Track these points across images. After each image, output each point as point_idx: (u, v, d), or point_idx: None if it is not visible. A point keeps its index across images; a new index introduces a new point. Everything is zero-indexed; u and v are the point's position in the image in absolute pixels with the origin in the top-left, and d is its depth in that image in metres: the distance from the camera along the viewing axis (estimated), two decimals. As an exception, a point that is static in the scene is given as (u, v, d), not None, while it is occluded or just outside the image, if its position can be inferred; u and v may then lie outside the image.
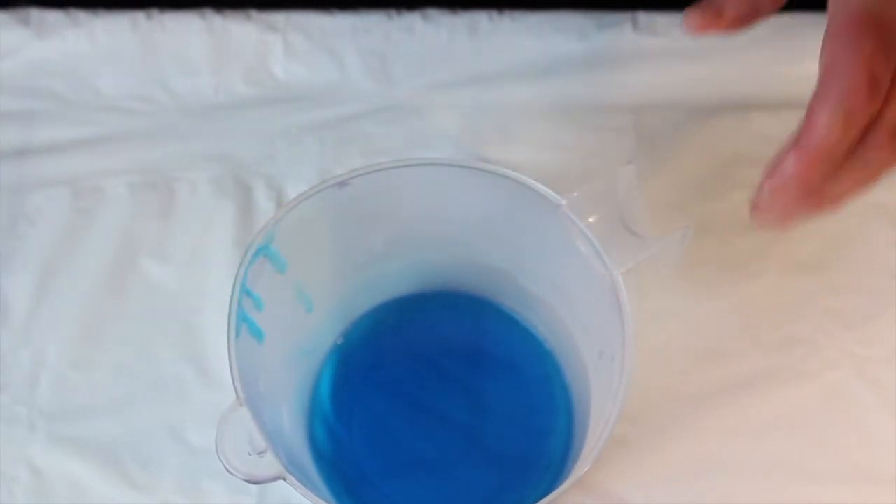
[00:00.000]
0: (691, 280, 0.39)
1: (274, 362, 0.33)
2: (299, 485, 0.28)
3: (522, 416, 0.37)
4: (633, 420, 0.36)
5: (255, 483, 0.28)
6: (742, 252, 0.40)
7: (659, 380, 0.37)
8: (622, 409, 0.28)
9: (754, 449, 0.36)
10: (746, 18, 0.32)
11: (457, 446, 0.36)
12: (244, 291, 0.30)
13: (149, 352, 0.38)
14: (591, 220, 0.30)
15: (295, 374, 0.36)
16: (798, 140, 0.28)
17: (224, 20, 0.45)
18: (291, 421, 0.35)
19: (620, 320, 0.30)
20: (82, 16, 0.44)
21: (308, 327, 0.36)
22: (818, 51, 0.28)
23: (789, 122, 0.29)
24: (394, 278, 0.38)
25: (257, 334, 0.31)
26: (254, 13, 0.45)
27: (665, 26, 0.44)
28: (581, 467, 0.29)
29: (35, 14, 0.44)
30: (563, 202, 0.31)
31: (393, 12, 0.45)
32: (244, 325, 0.30)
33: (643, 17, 0.44)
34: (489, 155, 0.42)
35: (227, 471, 0.28)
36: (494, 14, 0.44)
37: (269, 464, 0.28)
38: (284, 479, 0.28)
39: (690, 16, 0.32)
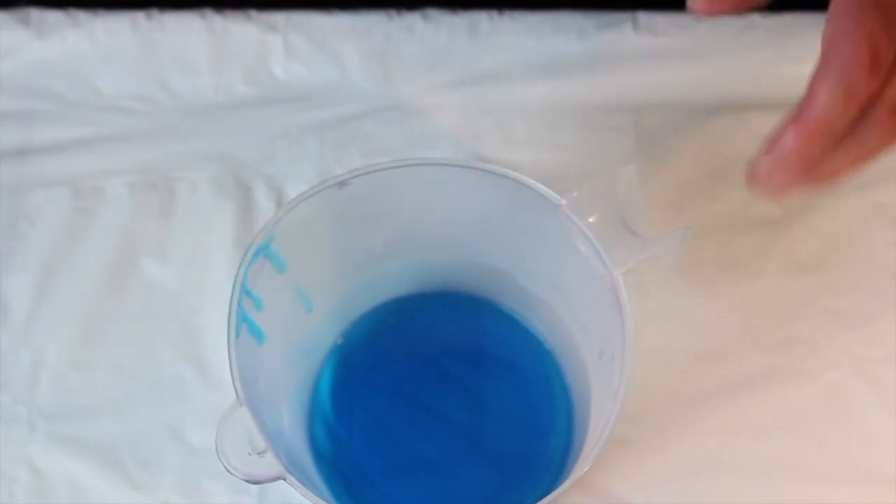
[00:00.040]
0: (691, 280, 0.39)
1: (274, 362, 0.33)
2: (299, 485, 0.28)
3: (522, 416, 0.37)
4: (633, 420, 0.36)
5: (255, 483, 0.28)
6: (742, 252, 0.40)
7: (659, 380, 0.37)
8: (622, 409, 0.28)
9: (754, 449, 0.36)
10: None
11: (457, 446, 0.36)
12: (244, 291, 0.30)
13: (149, 352, 0.38)
14: (591, 220, 0.30)
15: (295, 374, 0.36)
16: (798, 114, 0.28)
17: (224, 20, 0.45)
18: (291, 421, 0.35)
19: (620, 320, 0.30)
20: (82, 16, 0.44)
21: (308, 327, 0.36)
22: (818, 51, 0.28)
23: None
24: (394, 278, 0.38)
25: (257, 334, 0.31)
26: (254, 13, 0.45)
27: (665, 26, 0.44)
28: (581, 467, 0.29)
29: (35, 14, 0.44)
30: (563, 202, 0.31)
31: (393, 12, 0.45)
32: (244, 325, 0.30)
33: (643, 17, 0.44)
34: (489, 155, 0.42)
35: (227, 471, 0.28)
36: (494, 14, 0.44)
37: (269, 464, 0.28)
38: (284, 479, 0.28)
39: None
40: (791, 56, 0.42)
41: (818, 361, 0.38)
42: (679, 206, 0.40)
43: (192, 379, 0.38)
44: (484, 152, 0.42)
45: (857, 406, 0.37)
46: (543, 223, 0.32)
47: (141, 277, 0.40)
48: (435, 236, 0.36)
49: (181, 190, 0.41)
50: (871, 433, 0.37)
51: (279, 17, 0.45)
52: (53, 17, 0.44)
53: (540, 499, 0.28)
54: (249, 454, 0.28)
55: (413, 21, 0.45)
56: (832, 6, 0.28)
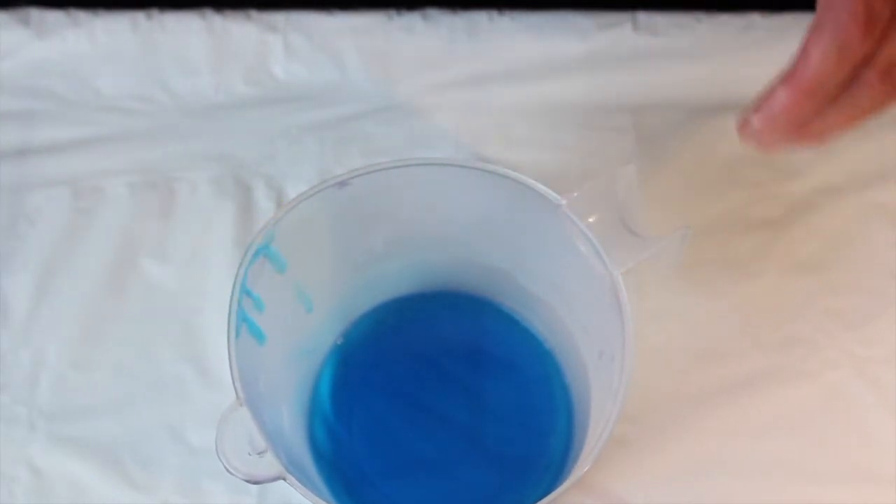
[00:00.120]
0: (691, 280, 0.39)
1: (274, 362, 0.33)
2: (299, 485, 0.28)
3: (522, 416, 0.37)
4: (633, 420, 0.36)
5: (255, 483, 0.28)
6: (742, 252, 0.40)
7: (659, 380, 0.37)
8: (622, 409, 0.28)
9: (754, 449, 0.36)
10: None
11: (457, 446, 0.36)
12: (244, 291, 0.30)
13: (149, 352, 0.38)
14: (591, 220, 0.30)
15: (295, 374, 0.36)
16: (790, 73, 0.28)
17: (224, 20, 0.45)
18: (291, 421, 0.35)
19: (620, 320, 0.30)
20: (82, 16, 0.44)
21: (308, 327, 0.36)
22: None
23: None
24: (394, 278, 0.38)
25: (257, 334, 0.31)
26: (254, 13, 0.45)
27: (665, 26, 0.44)
28: (581, 467, 0.29)
29: (35, 14, 0.44)
30: (563, 202, 0.31)
31: (393, 12, 0.45)
32: (244, 325, 0.30)
33: (643, 17, 0.44)
34: (489, 155, 0.42)
35: (227, 471, 0.28)
36: (494, 14, 0.44)
37: (269, 464, 0.28)
38: (284, 479, 0.28)
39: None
40: (791, 56, 0.42)
41: (818, 361, 0.38)
42: (679, 206, 0.40)
43: (192, 379, 0.38)
44: (484, 152, 0.42)
45: (857, 406, 0.37)
46: (543, 223, 0.32)
47: (141, 277, 0.40)
48: (435, 236, 0.36)
49: (181, 190, 0.41)
50: (871, 433, 0.37)
51: (279, 17, 0.45)
52: (53, 17, 0.44)
53: (540, 499, 0.28)
54: (249, 454, 0.28)
55: (413, 21, 0.45)
56: None
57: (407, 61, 0.44)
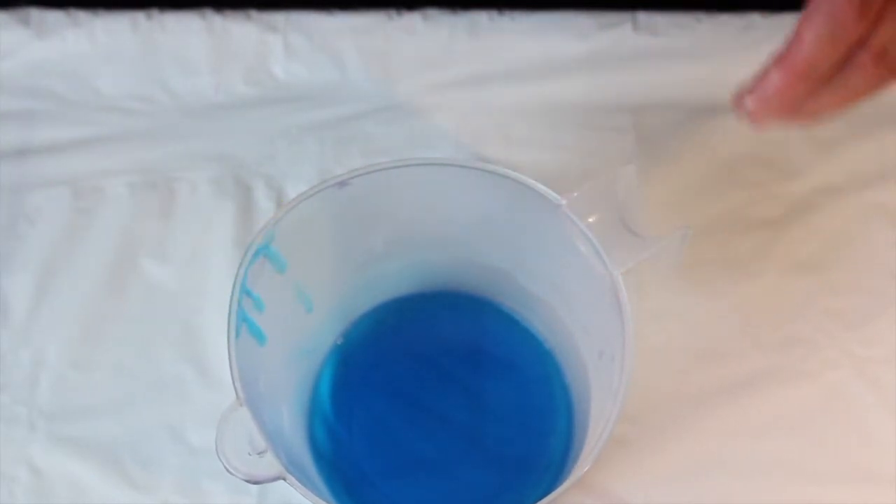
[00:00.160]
0: (691, 280, 0.39)
1: (274, 362, 0.33)
2: (299, 485, 0.28)
3: (522, 416, 0.37)
4: (633, 420, 0.36)
5: (255, 483, 0.28)
6: (742, 252, 0.40)
7: (659, 380, 0.37)
8: (622, 409, 0.28)
9: (754, 449, 0.36)
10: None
11: (457, 446, 0.36)
12: (244, 291, 0.30)
13: (149, 352, 0.38)
14: (591, 220, 0.30)
15: (295, 374, 0.36)
16: (783, 55, 0.28)
17: (224, 20, 0.45)
18: (291, 421, 0.35)
19: (620, 320, 0.30)
20: (82, 16, 0.44)
21: (308, 327, 0.36)
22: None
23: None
24: (394, 278, 0.38)
25: (257, 334, 0.31)
26: (254, 13, 0.45)
27: (665, 26, 0.44)
28: (581, 467, 0.29)
29: (35, 14, 0.44)
30: (563, 202, 0.31)
31: (393, 12, 0.45)
32: (244, 325, 0.30)
33: (643, 17, 0.44)
34: (489, 155, 0.42)
35: (227, 471, 0.28)
36: (494, 14, 0.44)
37: (269, 464, 0.28)
38: (284, 479, 0.28)
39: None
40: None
41: (818, 361, 0.38)
42: (679, 206, 0.40)
43: (192, 379, 0.38)
44: (484, 152, 0.42)
45: (857, 406, 0.37)
46: (543, 223, 0.32)
47: (141, 277, 0.40)
48: (435, 236, 0.36)
49: (181, 190, 0.41)
50: (871, 433, 0.37)
51: (279, 17, 0.45)
52: (53, 17, 0.44)
53: (540, 499, 0.28)
54: (249, 454, 0.28)
55: (413, 21, 0.45)
56: None
57: (407, 61, 0.44)
